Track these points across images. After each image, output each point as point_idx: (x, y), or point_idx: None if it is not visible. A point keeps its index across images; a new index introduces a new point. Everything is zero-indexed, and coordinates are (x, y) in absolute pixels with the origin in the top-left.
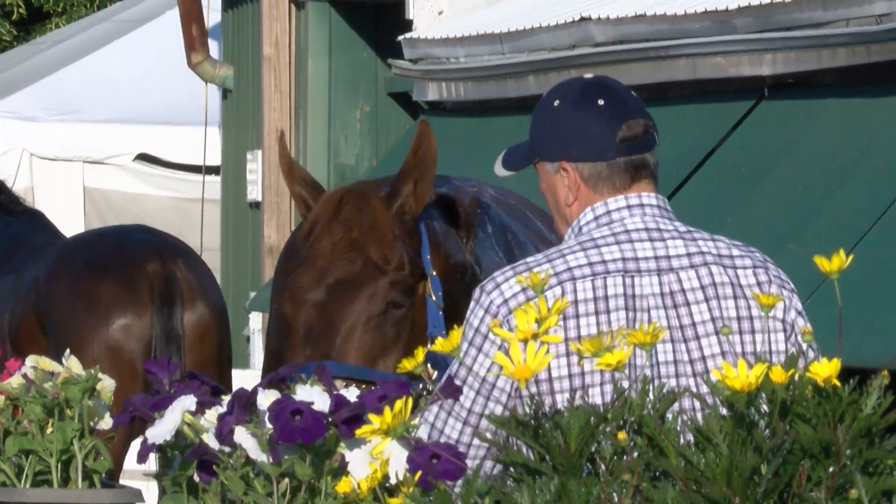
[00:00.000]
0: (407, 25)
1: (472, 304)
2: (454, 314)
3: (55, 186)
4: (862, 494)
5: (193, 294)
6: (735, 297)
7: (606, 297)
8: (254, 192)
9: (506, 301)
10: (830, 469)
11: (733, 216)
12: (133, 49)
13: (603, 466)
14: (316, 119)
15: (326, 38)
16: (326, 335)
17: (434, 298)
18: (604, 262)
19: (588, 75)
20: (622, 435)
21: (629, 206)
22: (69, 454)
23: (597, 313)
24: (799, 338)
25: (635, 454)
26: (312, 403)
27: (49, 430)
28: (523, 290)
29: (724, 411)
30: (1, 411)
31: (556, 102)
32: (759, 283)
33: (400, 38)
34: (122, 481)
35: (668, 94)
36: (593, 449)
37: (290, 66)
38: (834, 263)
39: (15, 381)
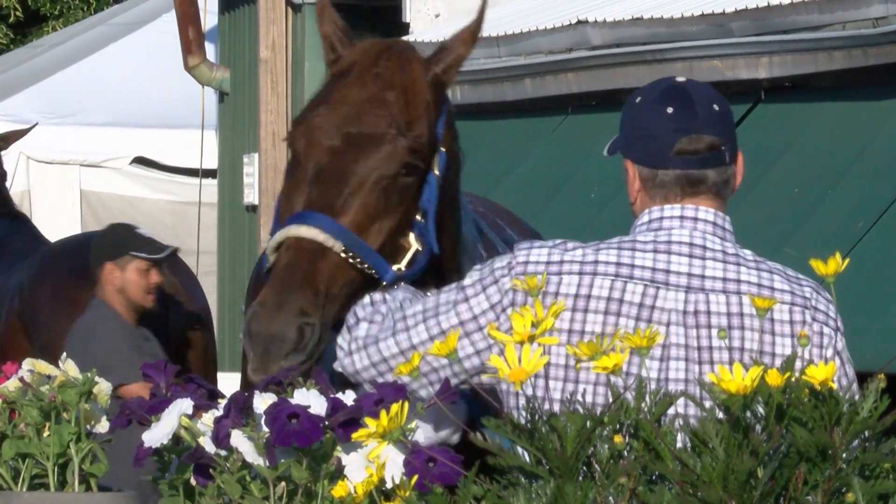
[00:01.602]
0: (403, 28)
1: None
2: (443, 195)
3: (52, 189)
4: (858, 498)
5: (178, 297)
6: (764, 332)
7: (621, 301)
8: (250, 196)
9: (526, 264)
10: (827, 472)
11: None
12: (130, 52)
13: (599, 470)
14: None
15: None
16: (335, 183)
17: (437, 173)
18: (632, 266)
19: (680, 79)
20: (618, 438)
21: (682, 217)
22: (66, 458)
23: (606, 313)
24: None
25: (632, 458)
26: (309, 407)
27: (46, 434)
28: (547, 262)
29: (720, 415)
30: None
31: (638, 99)
32: (791, 322)
33: None
34: None
35: None
36: (590, 452)
37: (287, 69)
38: (830, 267)
39: (12, 384)
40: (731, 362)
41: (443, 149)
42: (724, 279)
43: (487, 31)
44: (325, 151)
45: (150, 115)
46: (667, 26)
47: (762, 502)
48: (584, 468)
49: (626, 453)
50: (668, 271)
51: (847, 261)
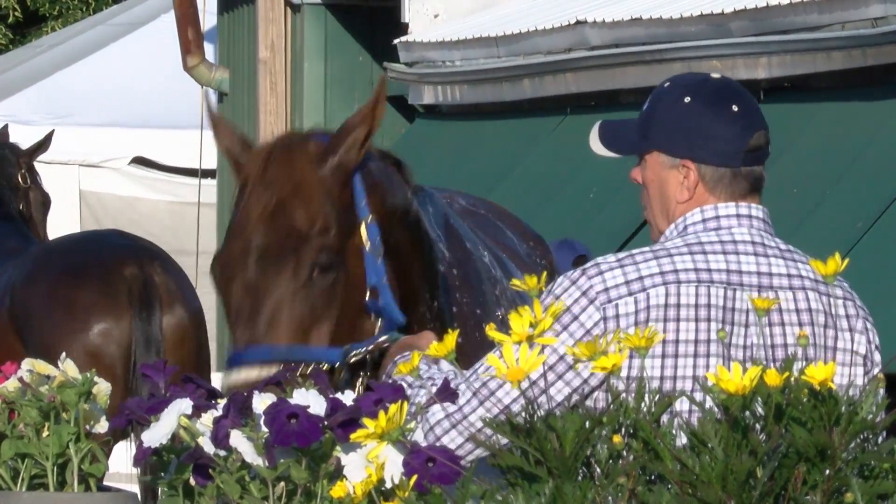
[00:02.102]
0: (402, 29)
1: (566, 283)
2: (396, 256)
3: (51, 190)
4: (858, 498)
5: (171, 297)
6: (826, 327)
7: (708, 306)
8: None
9: (606, 290)
10: (826, 472)
11: None
12: (129, 53)
13: (598, 470)
14: (311, 122)
15: (322, 41)
16: (256, 315)
17: (369, 246)
18: (709, 270)
19: (715, 75)
20: (617, 438)
21: (738, 216)
22: (65, 458)
23: (697, 320)
24: (876, 370)
25: (631, 458)
26: (308, 407)
27: (45, 434)
28: (626, 282)
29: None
30: None
31: (687, 99)
32: (847, 316)
33: (395, 41)
34: None
35: None
36: (589, 452)
37: (286, 69)
38: (829, 267)
39: (11, 384)
40: (805, 359)
41: (370, 218)
42: (789, 275)
43: (486, 31)
44: (238, 283)
45: (150, 115)
46: (666, 27)
47: (761, 502)
48: (584, 468)
49: (625, 453)
50: (740, 272)
51: (846, 261)
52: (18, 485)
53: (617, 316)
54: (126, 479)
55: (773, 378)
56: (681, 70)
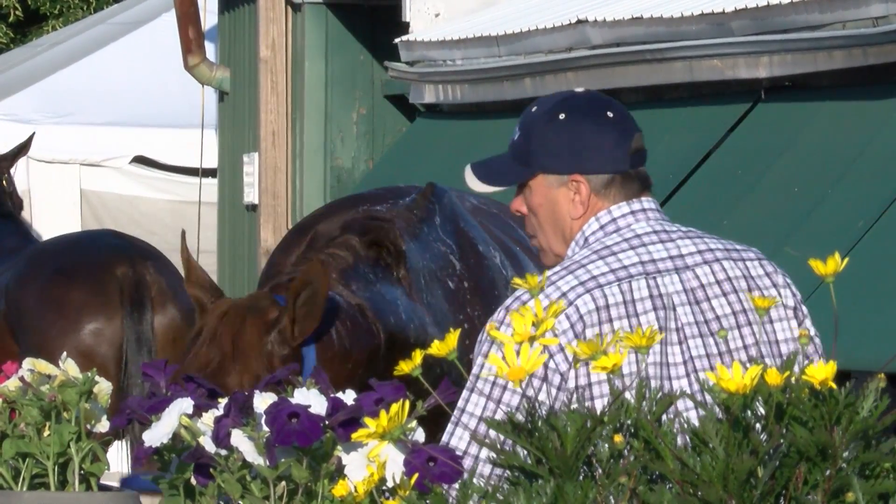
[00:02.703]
0: (403, 28)
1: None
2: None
3: (52, 189)
4: (859, 497)
5: (164, 297)
6: (750, 290)
7: (634, 301)
8: (250, 195)
9: (581, 318)
10: (827, 472)
11: (729, 219)
12: (130, 51)
13: (599, 469)
14: (312, 121)
15: (323, 40)
16: None
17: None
18: (624, 266)
19: (579, 90)
20: (618, 438)
21: (633, 212)
22: (66, 457)
23: (628, 316)
24: (807, 322)
25: (632, 457)
26: (309, 406)
27: (46, 433)
28: (597, 309)
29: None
30: None
31: (562, 116)
32: (767, 274)
33: (396, 40)
34: None
35: (665, 97)
36: (590, 452)
37: (287, 68)
38: (829, 266)
39: (12, 383)
40: (738, 326)
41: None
42: (699, 251)
43: (487, 30)
44: None
45: (150, 114)
46: (666, 25)
47: (762, 502)
48: (585, 468)
49: (626, 453)
50: (653, 260)
51: (846, 260)
52: (20, 484)
53: (556, 336)
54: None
55: (774, 377)
56: (682, 69)
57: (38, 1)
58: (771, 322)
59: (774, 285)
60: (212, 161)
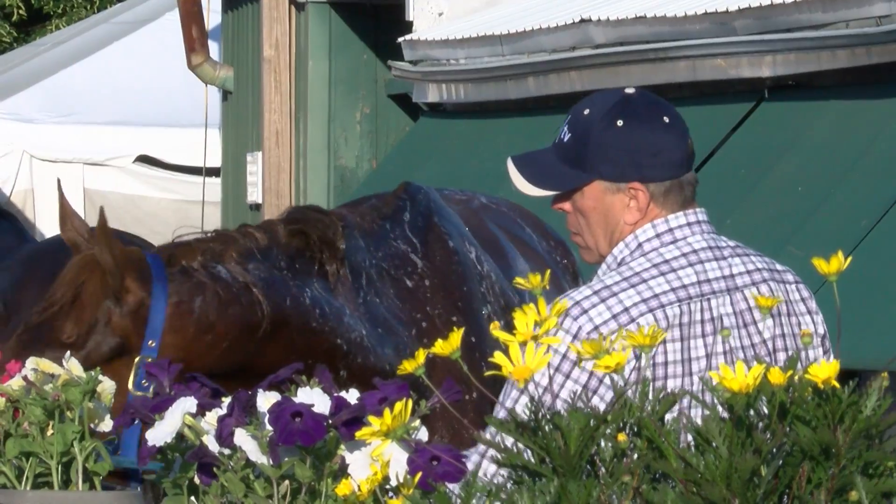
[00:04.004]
0: (407, 27)
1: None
2: (240, 374)
3: (55, 188)
4: (862, 496)
5: None
6: (789, 315)
7: (691, 324)
8: (254, 194)
9: (596, 328)
10: (830, 471)
11: (733, 217)
12: (133, 51)
13: (603, 468)
14: (316, 121)
15: (326, 39)
16: None
17: (132, 387)
18: (684, 286)
19: (629, 90)
20: (622, 437)
21: (689, 224)
22: (70, 456)
23: (682, 339)
24: (827, 342)
25: (635, 456)
26: (313, 405)
27: (49, 433)
28: (613, 316)
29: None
30: (1, 413)
31: (620, 122)
32: (803, 299)
33: (400, 39)
34: None
35: (668, 96)
36: (593, 451)
37: (290, 67)
38: (832, 265)
39: (15, 383)
40: (775, 351)
41: (149, 360)
42: (749, 272)
43: (490, 29)
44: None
45: (154, 113)
46: (670, 25)
47: (765, 501)
48: (588, 467)
49: (629, 452)
50: (709, 280)
51: (850, 259)
52: (23, 483)
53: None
54: None
55: (777, 377)
56: (685, 68)
57: (42, 0)
58: (806, 349)
59: (809, 312)
60: (215, 160)
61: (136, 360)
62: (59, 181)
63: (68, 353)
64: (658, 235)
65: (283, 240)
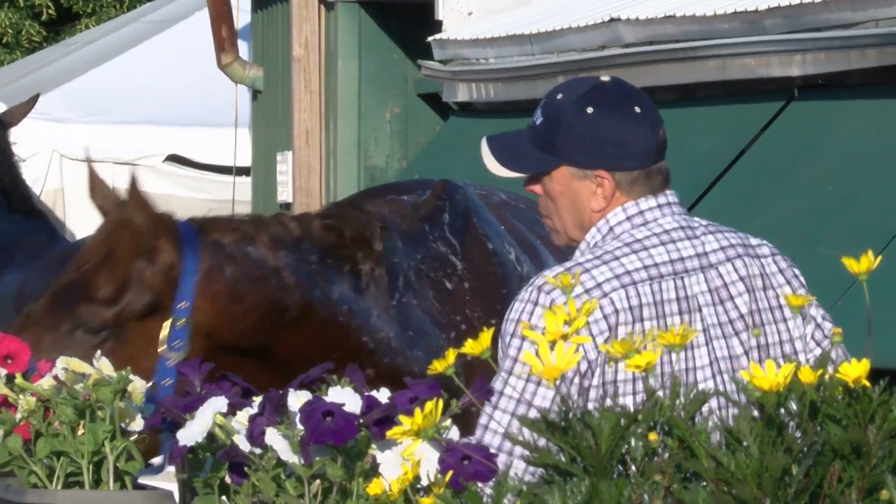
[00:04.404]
0: (436, 26)
1: (521, 303)
2: (261, 355)
3: (85, 187)
4: (893, 495)
5: None
6: (765, 288)
7: (663, 302)
8: (284, 193)
9: (615, 311)
10: (861, 470)
11: (763, 217)
12: (163, 50)
13: (633, 467)
14: (346, 120)
15: (356, 38)
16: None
17: (164, 348)
18: (656, 265)
19: (605, 78)
20: (653, 436)
21: (659, 206)
22: (100, 456)
23: (657, 317)
24: (812, 309)
25: (666, 455)
26: (344, 405)
27: (80, 432)
28: (586, 290)
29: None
30: (32, 413)
31: (590, 109)
32: (780, 270)
33: (429, 38)
34: None
35: (698, 95)
36: (624, 450)
37: (320, 66)
38: (862, 264)
39: (46, 382)
40: (764, 323)
41: (183, 322)
42: (722, 248)
43: (520, 28)
44: (23, 315)
45: (184, 113)
46: (699, 24)
47: (796, 500)
48: (619, 466)
49: (660, 451)
50: (682, 259)
51: (880, 258)
52: (54, 483)
53: (587, 324)
54: None
55: (808, 375)
56: (715, 67)
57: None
58: (785, 321)
59: (788, 282)
60: (245, 160)
61: (168, 321)
62: (87, 149)
63: (98, 352)
64: (629, 218)
65: (316, 233)
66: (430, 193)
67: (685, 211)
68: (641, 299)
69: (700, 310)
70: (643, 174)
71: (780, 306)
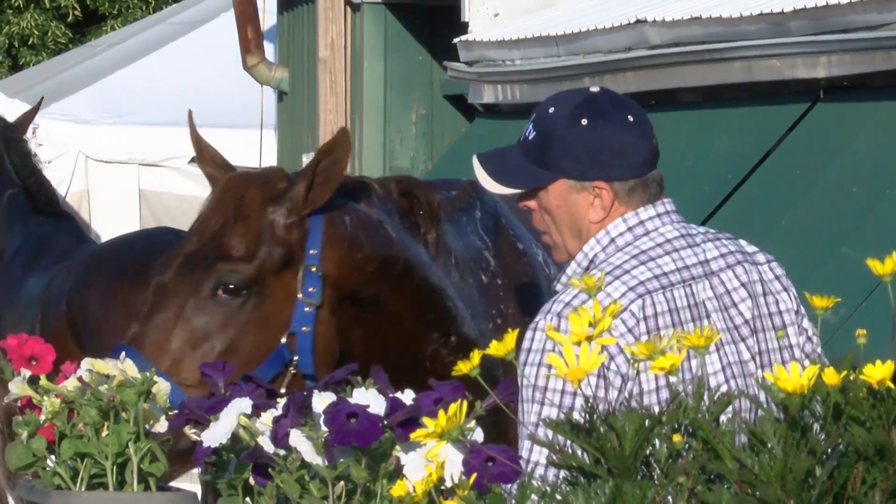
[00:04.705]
0: (462, 28)
1: (541, 332)
2: (375, 308)
3: (110, 189)
4: None
5: None
6: (764, 294)
7: (677, 310)
8: None
9: (638, 322)
10: (885, 471)
11: (787, 218)
12: (188, 52)
13: (657, 469)
14: (371, 121)
15: (382, 40)
16: (152, 312)
17: (301, 295)
18: (665, 273)
19: (594, 89)
20: (677, 437)
21: (659, 215)
22: (124, 457)
23: (673, 325)
24: (805, 322)
25: (690, 457)
26: (368, 406)
27: (104, 433)
28: (645, 317)
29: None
30: (56, 414)
31: (584, 121)
32: (777, 277)
33: (455, 40)
34: None
35: (724, 97)
36: (648, 452)
37: (346, 68)
38: (887, 266)
39: (70, 384)
40: (756, 331)
41: (315, 268)
42: (722, 255)
43: (546, 30)
44: (154, 282)
45: (209, 114)
46: (725, 26)
47: (820, 501)
48: (643, 467)
49: (684, 452)
50: (687, 266)
51: None
52: (78, 484)
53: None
54: None
55: (832, 377)
56: (740, 69)
57: (97, 1)
58: (784, 327)
59: (785, 289)
60: (271, 161)
61: (301, 268)
62: (190, 113)
63: (123, 354)
64: (630, 229)
65: (394, 196)
66: (461, 191)
67: (683, 218)
68: (657, 308)
69: (709, 316)
70: (640, 183)
71: (780, 312)
